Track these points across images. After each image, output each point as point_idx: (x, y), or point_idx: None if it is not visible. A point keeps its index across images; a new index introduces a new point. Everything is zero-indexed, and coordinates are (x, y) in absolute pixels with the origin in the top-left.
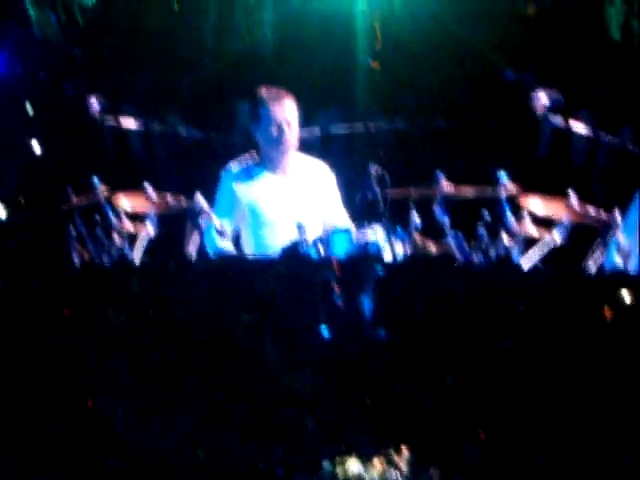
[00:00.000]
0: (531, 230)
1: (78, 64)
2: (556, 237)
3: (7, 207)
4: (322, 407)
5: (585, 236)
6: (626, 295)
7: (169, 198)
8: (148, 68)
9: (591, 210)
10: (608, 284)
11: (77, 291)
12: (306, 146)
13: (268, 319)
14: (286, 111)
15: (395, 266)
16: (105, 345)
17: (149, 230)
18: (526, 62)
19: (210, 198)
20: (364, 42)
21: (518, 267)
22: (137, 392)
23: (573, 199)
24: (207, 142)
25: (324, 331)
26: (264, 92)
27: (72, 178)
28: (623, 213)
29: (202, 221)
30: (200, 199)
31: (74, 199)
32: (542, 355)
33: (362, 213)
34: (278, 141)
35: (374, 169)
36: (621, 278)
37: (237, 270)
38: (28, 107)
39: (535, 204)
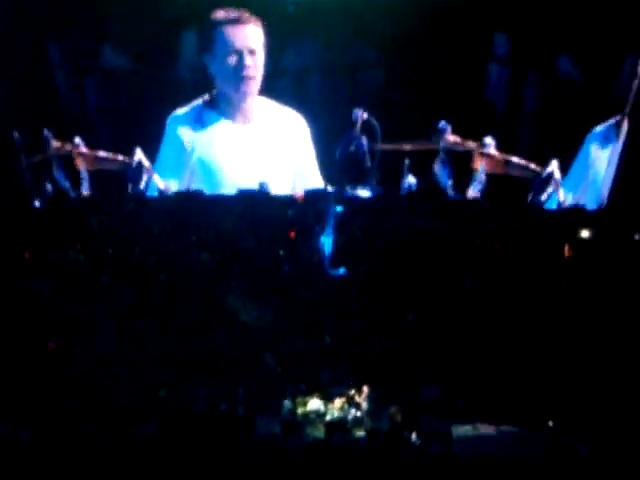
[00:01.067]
0: None
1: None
2: (470, 194)
3: None
4: (282, 346)
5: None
6: (584, 232)
7: (103, 155)
8: None
9: (516, 160)
10: (566, 220)
11: (36, 231)
12: (275, 89)
13: (227, 257)
14: (248, 36)
15: (356, 203)
16: (64, 285)
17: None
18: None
19: (153, 154)
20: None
21: (480, 204)
22: (97, 332)
23: (489, 146)
24: (149, 80)
25: (284, 268)
26: (221, 14)
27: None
28: (565, 165)
29: (142, 182)
30: (140, 155)
31: (54, 145)
32: (502, 292)
33: (344, 172)
34: (237, 75)
35: (360, 116)
36: (579, 214)
37: (195, 208)
38: None
39: None
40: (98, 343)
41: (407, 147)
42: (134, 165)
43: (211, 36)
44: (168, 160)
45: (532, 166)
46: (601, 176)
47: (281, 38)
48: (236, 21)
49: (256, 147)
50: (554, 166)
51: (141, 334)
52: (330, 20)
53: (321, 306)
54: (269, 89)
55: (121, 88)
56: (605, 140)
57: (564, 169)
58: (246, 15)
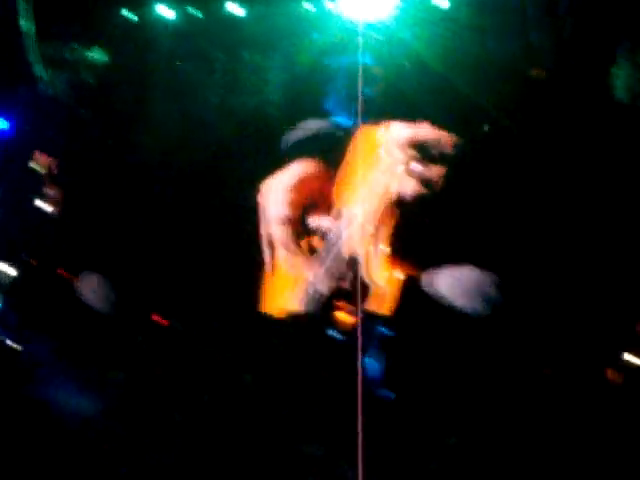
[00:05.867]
0: None
1: (86, 122)
2: None
3: (15, 267)
4: (329, 468)
5: None
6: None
7: None
8: (154, 124)
9: None
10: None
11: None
12: None
13: (270, 378)
14: None
15: (400, 324)
16: (106, 408)
17: None
18: (531, 122)
19: None
20: (370, 102)
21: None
22: (139, 453)
23: None
24: None
25: (325, 391)
26: None
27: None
28: None
29: None
30: None
31: None
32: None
33: None
34: None
35: None
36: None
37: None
38: (36, 165)
39: None
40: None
41: None
42: None
43: None
44: None
45: None
46: None
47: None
48: None
49: None
50: None
51: (184, 452)
52: None
53: (363, 428)
54: None
55: None
56: None
57: None
58: None
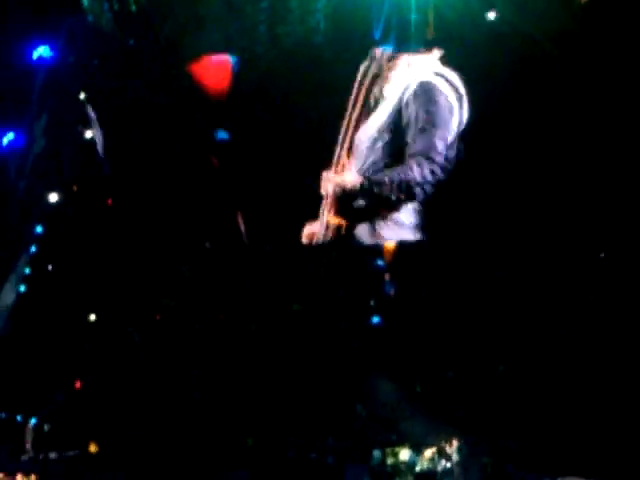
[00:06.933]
0: None
1: (131, 52)
2: None
3: (61, 194)
4: (373, 396)
5: None
6: None
7: None
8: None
9: None
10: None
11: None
12: None
13: (317, 307)
14: None
15: (446, 254)
16: (157, 332)
17: None
18: (577, 51)
19: None
20: (417, 31)
21: None
22: (188, 380)
23: None
24: None
25: (375, 319)
26: None
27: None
28: None
29: None
30: None
31: None
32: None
33: None
34: None
35: None
36: None
37: (285, 258)
38: (81, 96)
39: None
40: (188, 391)
41: None
42: None
43: None
44: None
45: None
46: None
47: None
48: None
49: None
50: None
51: (232, 382)
52: None
53: (412, 356)
54: None
55: None
56: None
57: None
58: None
